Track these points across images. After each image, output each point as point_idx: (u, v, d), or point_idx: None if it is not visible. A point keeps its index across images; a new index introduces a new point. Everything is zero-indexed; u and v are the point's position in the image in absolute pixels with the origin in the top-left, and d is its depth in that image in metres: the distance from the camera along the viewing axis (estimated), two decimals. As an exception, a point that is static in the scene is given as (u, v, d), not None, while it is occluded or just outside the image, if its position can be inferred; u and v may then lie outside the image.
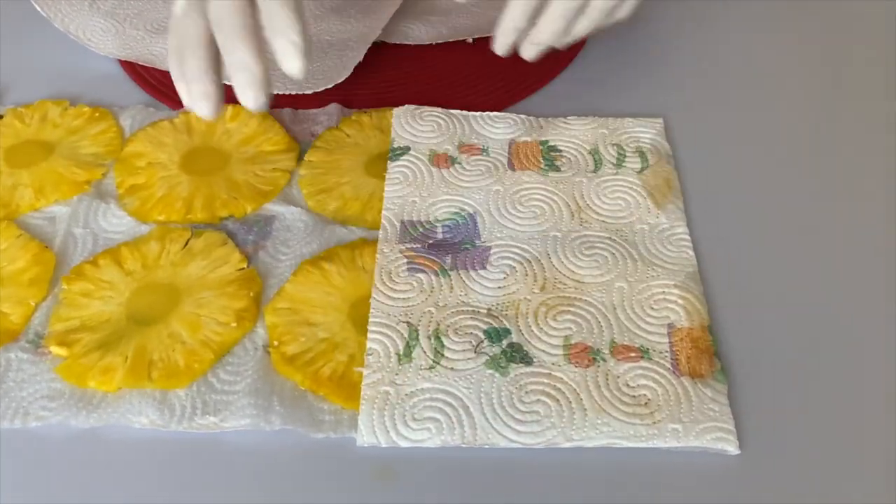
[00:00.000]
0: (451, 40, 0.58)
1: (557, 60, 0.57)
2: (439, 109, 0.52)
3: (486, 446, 0.37)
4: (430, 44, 0.58)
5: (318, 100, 0.53)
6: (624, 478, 0.36)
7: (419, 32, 0.59)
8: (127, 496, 0.36)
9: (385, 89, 0.55)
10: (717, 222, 0.47)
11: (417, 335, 0.40)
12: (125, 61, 0.57)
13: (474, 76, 0.56)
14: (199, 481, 0.36)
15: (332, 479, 0.36)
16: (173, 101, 0.53)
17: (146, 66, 0.56)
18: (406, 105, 0.52)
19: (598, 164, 0.49)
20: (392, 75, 0.56)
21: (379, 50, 0.57)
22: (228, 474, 0.36)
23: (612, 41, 0.59)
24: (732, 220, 0.47)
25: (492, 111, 0.53)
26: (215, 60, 0.40)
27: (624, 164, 0.49)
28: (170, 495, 0.36)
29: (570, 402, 0.38)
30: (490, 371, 0.39)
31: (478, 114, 0.52)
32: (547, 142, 0.50)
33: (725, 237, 0.46)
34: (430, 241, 0.45)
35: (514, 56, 0.48)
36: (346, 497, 0.36)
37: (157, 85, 0.55)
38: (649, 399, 0.38)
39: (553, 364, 0.39)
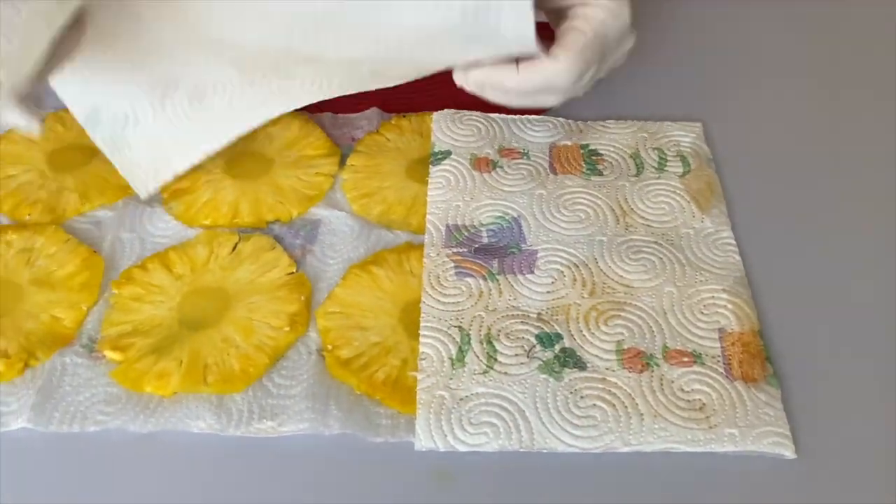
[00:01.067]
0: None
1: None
2: (478, 113, 0.52)
3: (545, 451, 0.37)
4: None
5: (356, 104, 0.53)
6: (680, 483, 0.36)
7: None
8: (184, 499, 0.36)
9: (420, 93, 0.55)
10: (761, 226, 0.47)
11: (469, 340, 0.40)
12: None
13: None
14: (256, 485, 0.36)
15: (391, 483, 0.36)
16: None
17: None
18: (445, 109, 0.53)
19: (639, 168, 0.49)
20: (426, 80, 0.57)
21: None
22: (286, 478, 0.36)
23: (646, 45, 0.59)
24: (776, 224, 0.47)
25: (529, 115, 0.53)
26: None
27: (666, 169, 0.49)
28: (228, 499, 0.36)
29: (626, 406, 0.38)
30: (544, 376, 0.39)
31: (517, 117, 0.52)
32: (588, 145, 0.51)
33: (770, 241, 0.46)
34: (476, 246, 0.45)
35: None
36: (405, 501, 0.36)
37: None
38: (704, 404, 0.38)
39: (607, 369, 0.39)
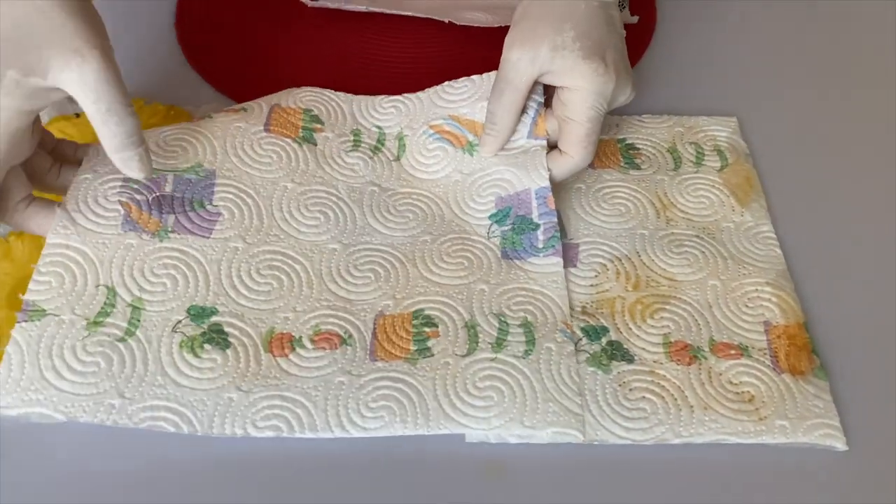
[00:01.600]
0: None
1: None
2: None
3: (597, 442, 0.37)
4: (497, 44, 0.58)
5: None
6: (732, 475, 0.37)
7: (484, 17, 0.59)
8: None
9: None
10: (800, 219, 0.47)
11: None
12: (193, 59, 0.57)
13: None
14: (308, 484, 0.36)
15: (441, 476, 0.36)
16: (241, 97, 0.53)
17: (214, 65, 0.56)
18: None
19: (677, 162, 0.49)
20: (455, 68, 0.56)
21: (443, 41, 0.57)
22: (334, 472, 0.36)
23: (678, 39, 0.59)
24: (815, 217, 0.47)
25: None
26: None
27: (703, 163, 0.49)
28: (279, 498, 0.36)
29: (676, 399, 0.38)
30: (592, 368, 0.39)
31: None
32: (624, 140, 0.51)
33: (810, 234, 0.46)
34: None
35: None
36: (457, 494, 0.36)
37: (226, 82, 0.55)
38: (753, 396, 0.38)
39: (655, 362, 0.39)
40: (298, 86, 0.51)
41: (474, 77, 0.49)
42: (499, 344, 0.39)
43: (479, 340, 0.40)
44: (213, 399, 0.36)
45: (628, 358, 0.39)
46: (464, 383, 0.38)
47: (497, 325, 0.40)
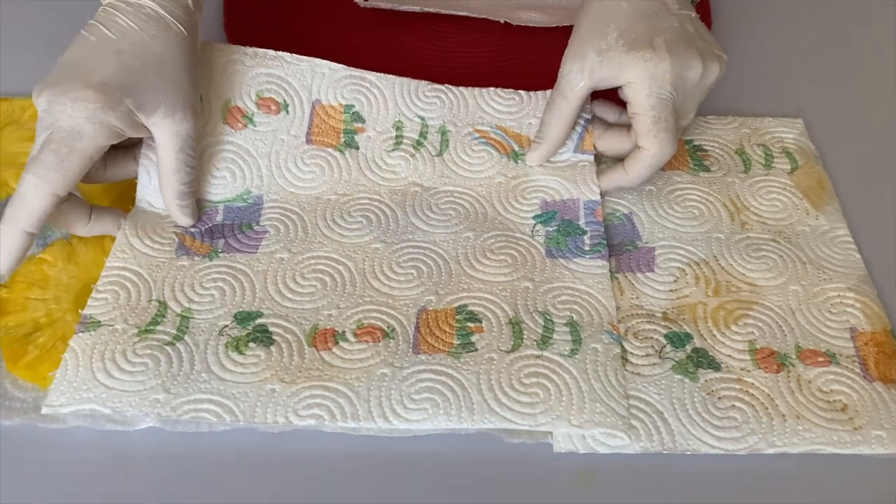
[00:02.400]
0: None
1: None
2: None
3: (688, 453, 0.36)
4: (551, 44, 0.57)
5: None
6: (824, 485, 0.36)
7: (539, 17, 0.58)
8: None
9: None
10: (875, 222, 0.46)
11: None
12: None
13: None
14: (396, 485, 0.35)
15: (530, 486, 0.35)
16: None
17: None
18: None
19: (746, 164, 0.48)
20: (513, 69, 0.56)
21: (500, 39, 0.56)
22: (422, 480, 0.36)
23: (739, 39, 0.58)
24: (891, 220, 0.46)
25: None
26: None
27: (773, 165, 0.48)
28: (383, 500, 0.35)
29: (766, 407, 0.37)
30: (679, 376, 0.38)
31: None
32: (691, 141, 0.50)
33: (887, 238, 0.45)
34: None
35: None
36: (547, 503, 0.35)
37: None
38: (846, 405, 0.37)
39: (742, 369, 0.38)
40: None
41: (522, 92, 0.50)
42: (544, 341, 0.39)
43: (524, 337, 0.39)
44: (256, 390, 0.37)
45: (714, 365, 0.39)
46: (508, 379, 0.37)
47: (542, 322, 0.40)
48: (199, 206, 0.45)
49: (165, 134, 0.40)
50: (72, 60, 0.40)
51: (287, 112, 0.47)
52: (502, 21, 0.56)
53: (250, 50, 0.47)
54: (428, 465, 0.36)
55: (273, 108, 0.47)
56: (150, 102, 0.39)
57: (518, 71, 0.56)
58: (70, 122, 0.38)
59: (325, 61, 0.48)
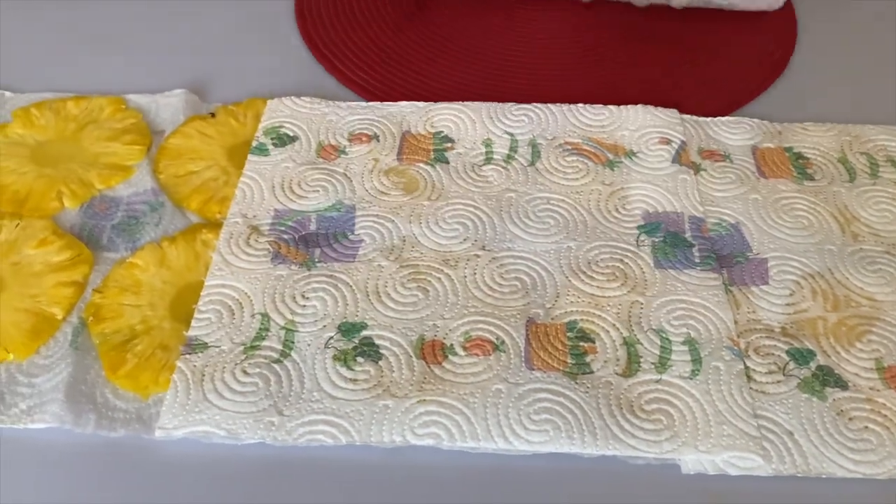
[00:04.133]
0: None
1: (773, 65, 0.55)
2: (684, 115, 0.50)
3: (823, 476, 0.34)
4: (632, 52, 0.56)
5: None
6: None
7: None
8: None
9: (601, 88, 0.53)
10: None
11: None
12: (322, 57, 0.55)
13: (685, 79, 0.54)
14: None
15: (657, 509, 0.34)
16: (371, 94, 0.52)
17: (343, 60, 0.54)
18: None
19: (851, 173, 0.47)
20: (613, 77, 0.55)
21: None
22: (551, 499, 0.34)
23: (836, 45, 0.56)
24: None
25: (714, 115, 0.50)
26: None
27: (879, 175, 0.47)
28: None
29: (902, 429, 0.35)
30: (806, 395, 0.36)
31: (709, 119, 0.50)
32: (791, 148, 0.48)
33: None
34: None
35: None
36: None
37: (355, 79, 0.53)
38: None
39: (871, 389, 0.37)
40: (428, 74, 0.53)
41: (612, 107, 0.50)
42: (662, 364, 0.37)
43: (641, 360, 0.37)
44: (369, 408, 0.36)
45: (842, 384, 0.37)
46: (629, 405, 0.36)
47: (658, 342, 0.38)
48: (289, 216, 0.43)
49: None
50: None
51: (378, 141, 0.48)
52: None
53: (343, 104, 0.50)
54: (552, 483, 0.35)
55: (364, 139, 0.48)
56: None
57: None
58: None
59: (411, 102, 0.50)
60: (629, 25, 0.58)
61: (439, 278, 0.41)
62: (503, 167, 0.47)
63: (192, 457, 0.35)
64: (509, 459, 0.35)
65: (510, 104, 0.50)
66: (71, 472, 0.35)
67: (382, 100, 0.51)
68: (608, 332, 0.39)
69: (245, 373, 0.37)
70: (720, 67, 0.54)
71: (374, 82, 0.53)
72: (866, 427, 0.35)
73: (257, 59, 0.55)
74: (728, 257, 0.42)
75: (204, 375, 0.37)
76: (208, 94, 0.52)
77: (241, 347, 0.38)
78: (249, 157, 0.47)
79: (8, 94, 0.51)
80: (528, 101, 0.50)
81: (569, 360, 0.37)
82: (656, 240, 0.43)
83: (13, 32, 0.57)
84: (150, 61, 0.55)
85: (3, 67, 0.54)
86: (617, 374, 0.37)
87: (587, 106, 0.50)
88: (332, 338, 0.38)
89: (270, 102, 0.50)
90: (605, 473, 0.35)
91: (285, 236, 0.43)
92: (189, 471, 0.35)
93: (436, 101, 0.50)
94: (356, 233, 0.43)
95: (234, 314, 0.39)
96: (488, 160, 0.47)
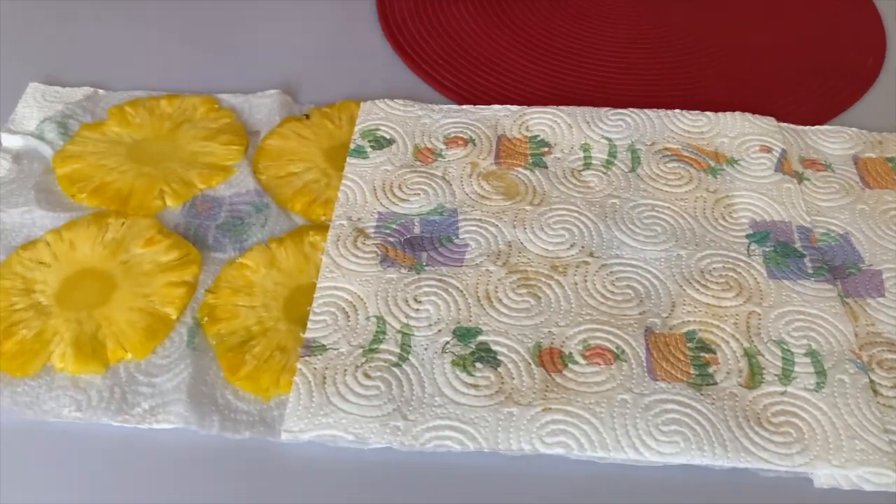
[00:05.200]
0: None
1: (865, 73, 0.54)
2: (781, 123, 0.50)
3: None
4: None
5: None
6: None
7: None
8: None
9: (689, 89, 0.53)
10: None
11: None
12: (412, 61, 0.55)
13: (777, 87, 0.53)
14: None
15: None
16: (461, 97, 0.52)
17: (429, 62, 0.55)
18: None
19: (957, 184, 0.46)
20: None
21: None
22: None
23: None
24: None
25: (809, 124, 0.50)
26: None
27: (985, 186, 0.46)
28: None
29: None
30: (936, 411, 0.36)
31: (807, 128, 0.49)
32: (894, 158, 0.48)
33: None
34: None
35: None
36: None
37: (444, 82, 0.53)
38: None
39: None
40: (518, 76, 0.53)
41: (709, 114, 0.49)
42: (786, 376, 0.37)
43: (764, 372, 0.37)
44: (494, 415, 0.35)
45: (972, 400, 0.36)
46: (756, 417, 0.35)
47: (780, 353, 0.38)
48: (393, 218, 0.43)
49: None
50: None
51: (474, 144, 0.47)
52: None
53: (436, 106, 0.50)
54: (682, 493, 0.34)
55: (460, 143, 0.47)
56: None
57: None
58: None
59: (504, 105, 0.50)
60: (721, 30, 0.57)
61: (549, 285, 0.41)
62: (603, 172, 0.46)
63: (315, 461, 0.35)
64: (635, 470, 0.35)
65: (605, 109, 0.50)
66: (194, 474, 0.34)
67: (472, 102, 0.51)
68: (728, 342, 0.38)
69: (367, 376, 0.37)
70: (812, 76, 0.54)
71: (463, 85, 0.53)
72: None
73: (343, 62, 0.55)
74: (840, 268, 0.42)
75: (325, 378, 0.36)
76: (297, 95, 0.52)
77: (360, 350, 0.38)
78: (349, 159, 0.46)
79: (102, 91, 0.51)
80: (615, 104, 0.50)
81: (692, 371, 0.37)
82: (767, 249, 0.42)
83: (103, 31, 0.57)
84: (237, 62, 0.55)
85: (94, 66, 0.54)
86: (740, 385, 0.37)
87: (684, 112, 0.49)
88: (448, 342, 0.38)
89: (364, 105, 0.50)
90: (736, 486, 0.34)
91: (391, 239, 0.42)
92: (313, 474, 0.35)
93: (522, 101, 0.50)
94: (461, 237, 0.43)
95: (349, 316, 0.39)
96: (587, 165, 0.47)
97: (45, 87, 0.51)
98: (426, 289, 0.40)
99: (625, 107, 0.50)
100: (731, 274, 0.41)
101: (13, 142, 0.47)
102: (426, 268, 0.41)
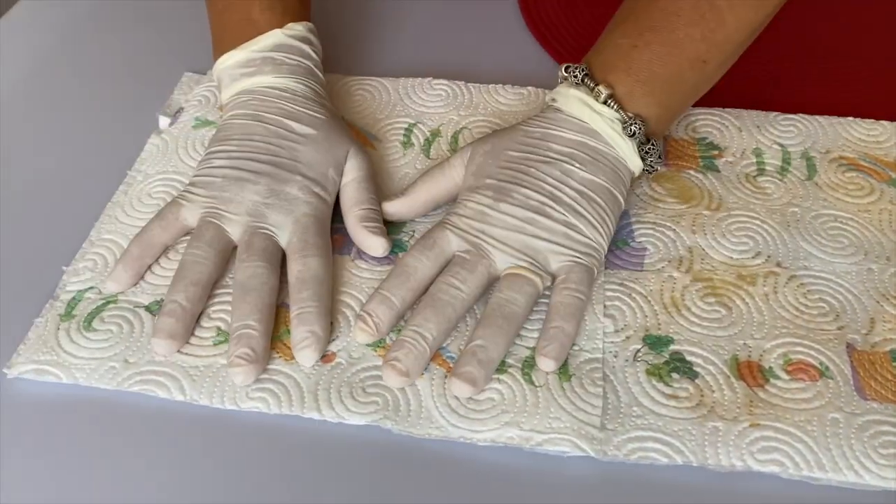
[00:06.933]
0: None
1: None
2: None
3: None
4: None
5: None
6: None
7: None
8: None
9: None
10: None
11: None
12: (541, 37, 0.55)
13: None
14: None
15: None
16: None
17: (561, 40, 0.55)
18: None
19: None
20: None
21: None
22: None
23: None
24: None
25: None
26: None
27: None
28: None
29: None
30: None
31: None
32: None
33: None
34: None
35: None
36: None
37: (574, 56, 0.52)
38: None
39: None
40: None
41: (884, 122, 0.48)
42: None
43: None
44: (699, 428, 0.35)
45: None
46: None
47: None
48: None
49: (356, 163, 0.43)
50: None
51: None
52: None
53: None
54: None
55: None
56: (341, 156, 0.43)
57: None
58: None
59: None
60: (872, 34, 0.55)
61: (739, 294, 0.39)
62: (779, 179, 0.45)
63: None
64: (842, 493, 0.33)
65: (773, 113, 0.49)
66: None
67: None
68: None
69: (585, 387, 0.36)
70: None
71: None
72: None
73: (483, 46, 0.55)
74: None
75: None
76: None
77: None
78: None
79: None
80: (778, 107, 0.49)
81: None
82: None
83: (345, 18, 0.58)
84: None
85: (342, 51, 0.55)
86: None
87: (857, 120, 0.48)
88: (639, 350, 0.37)
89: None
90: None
91: None
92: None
93: None
94: (637, 240, 0.42)
95: None
96: (761, 171, 0.45)
97: (199, 76, 0.52)
98: (608, 293, 0.40)
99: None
100: None
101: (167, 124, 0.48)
102: (606, 271, 0.41)
